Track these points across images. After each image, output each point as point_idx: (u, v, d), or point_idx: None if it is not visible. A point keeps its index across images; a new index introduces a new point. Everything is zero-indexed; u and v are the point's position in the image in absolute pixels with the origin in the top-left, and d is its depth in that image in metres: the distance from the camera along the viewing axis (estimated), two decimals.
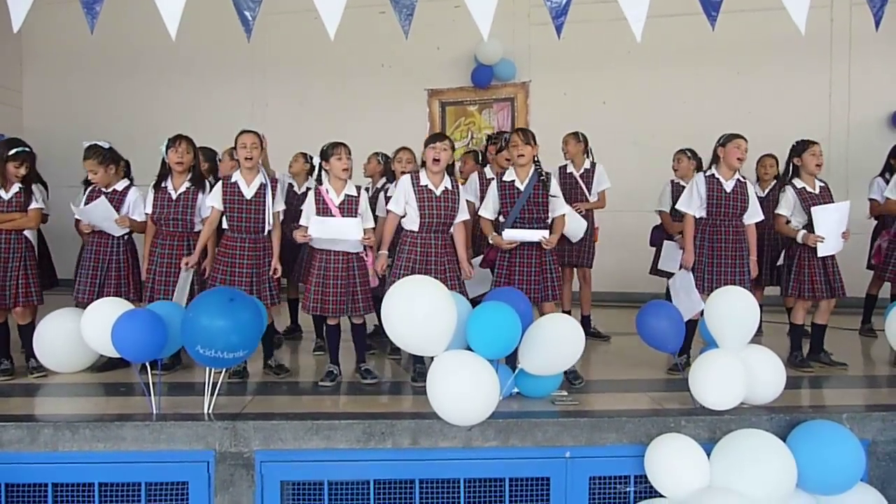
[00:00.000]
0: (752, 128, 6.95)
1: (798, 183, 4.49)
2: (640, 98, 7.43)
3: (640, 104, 7.40)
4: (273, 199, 4.23)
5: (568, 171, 5.44)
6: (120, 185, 4.50)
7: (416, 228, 4.05)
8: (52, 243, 5.59)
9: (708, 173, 4.35)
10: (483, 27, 3.53)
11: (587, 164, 5.47)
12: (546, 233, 4.07)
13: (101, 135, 4.67)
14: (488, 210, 4.24)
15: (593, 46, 7.30)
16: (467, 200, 4.41)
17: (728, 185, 4.30)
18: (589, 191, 5.41)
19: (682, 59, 7.29)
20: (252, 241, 4.18)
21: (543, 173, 4.18)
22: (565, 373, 3.99)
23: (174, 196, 4.33)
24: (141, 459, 3.24)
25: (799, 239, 4.39)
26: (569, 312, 5.49)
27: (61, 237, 5.77)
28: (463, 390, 3.13)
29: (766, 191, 5.49)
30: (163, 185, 4.37)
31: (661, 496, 3.23)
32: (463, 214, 4.17)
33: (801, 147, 4.42)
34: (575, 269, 5.54)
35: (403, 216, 4.10)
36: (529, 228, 4.09)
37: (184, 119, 7.16)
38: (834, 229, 4.30)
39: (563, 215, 4.25)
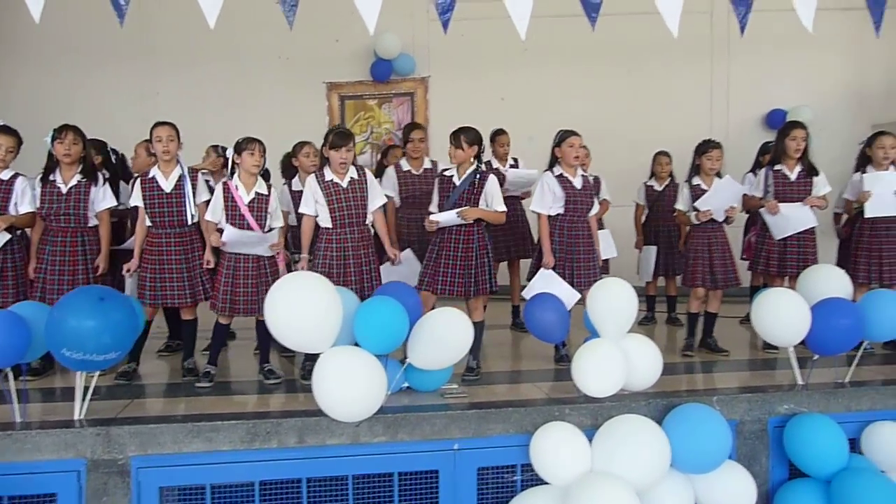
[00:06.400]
0: (641, 125, 7.35)
1: (695, 180, 4.75)
2: (537, 95, 7.58)
3: (537, 101, 7.54)
4: (195, 189, 4.10)
5: (494, 166, 5.51)
6: (6, 175, 4.12)
7: (330, 225, 4.01)
8: None
9: (556, 172, 4.45)
10: (369, 21, 3.50)
11: (510, 161, 5.63)
12: (458, 210, 4.03)
13: None
14: (434, 205, 4.22)
15: (491, 43, 7.37)
16: (386, 195, 4.41)
17: (577, 182, 4.45)
18: None
19: (576, 58, 7.48)
20: (178, 236, 4.05)
21: (480, 173, 4.17)
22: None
23: (64, 190, 4.08)
24: (2, 472, 3.03)
25: (693, 219, 4.64)
26: (517, 307, 5.57)
27: None
28: (349, 386, 3.12)
29: (664, 186, 5.78)
30: (50, 178, 4.10)
31: (546, 483, 3.32)
32: (378, 199, 4.14)
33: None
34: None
35: (317, 216, 4.05)
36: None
37: (63, 108, 6.72)
38: (718, 200, 4.56)
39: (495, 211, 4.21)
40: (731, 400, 3.65)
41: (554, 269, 4.35)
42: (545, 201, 4.41)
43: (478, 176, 4.14)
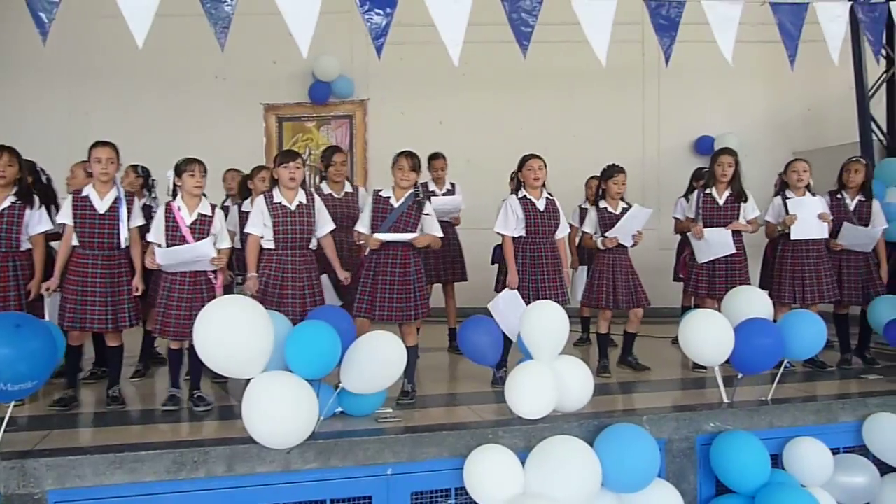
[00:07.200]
0: (575, 150, 7.52)
1: (601, 203, 4.93)
2: (475, 119, 7.72)
3: (475, 125, 7.68)
4: (130, 213, 4.00)
5: (430, 189, 5.54)
6: None
7: (273, 246, 4.00)
8: None
9: (520, 195, 4.57)
10: (302, 44, 3.50)
11: (448, 185, 5.67)
12: (414, 235, 4.06)
13: None
14: (364, 224, 4.19)
15: (430, 67, 7.40)
16: None
17: (541, 204, 4.55)
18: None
19: (512, 83, 7.64)
20: (106, 259, 3.92)
21: (420, 194, 4.20)
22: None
23: None
24: None
25: (599, 244, 4.82)
26: (454, 329, 5.57)
27: None
28: (279, 412, 3.06)
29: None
30: None
31: None
32: (327, 226, 4.15)
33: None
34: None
35: (262, 237, 4.03)
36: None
37: None
38: (628, 228, 4.76)
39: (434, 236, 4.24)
40: (659, 419, 3.73)
41: (519, 289, 4.42)
42: (508, 223, 4.52)
43: (417, 197, 4.19)
